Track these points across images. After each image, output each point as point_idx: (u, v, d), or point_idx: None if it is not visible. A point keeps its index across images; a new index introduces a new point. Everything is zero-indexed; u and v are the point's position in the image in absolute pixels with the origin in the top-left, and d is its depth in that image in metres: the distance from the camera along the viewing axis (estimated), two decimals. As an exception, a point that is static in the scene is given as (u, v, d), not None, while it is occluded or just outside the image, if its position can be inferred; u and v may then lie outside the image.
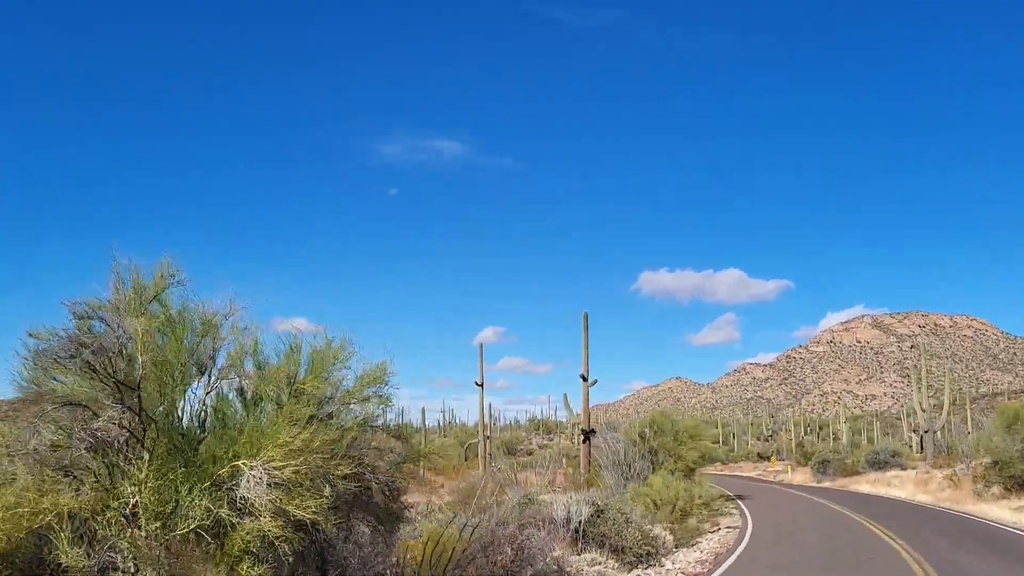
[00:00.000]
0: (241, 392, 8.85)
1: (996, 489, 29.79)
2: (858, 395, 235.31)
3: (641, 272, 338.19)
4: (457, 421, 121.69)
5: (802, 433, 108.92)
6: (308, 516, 7.54)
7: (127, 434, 7.46)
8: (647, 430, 34.28)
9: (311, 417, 8.87)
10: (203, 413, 8.43)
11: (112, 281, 7.99)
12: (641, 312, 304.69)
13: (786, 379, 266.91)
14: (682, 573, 15.90)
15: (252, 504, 7.48)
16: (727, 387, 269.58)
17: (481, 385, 57.33)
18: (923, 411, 53.40)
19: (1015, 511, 25.03)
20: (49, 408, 7.41)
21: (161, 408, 7.94)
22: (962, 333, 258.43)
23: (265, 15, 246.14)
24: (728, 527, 24.77)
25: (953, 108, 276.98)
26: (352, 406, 9.97)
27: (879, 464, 47.29)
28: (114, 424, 7.37)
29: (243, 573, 7.44)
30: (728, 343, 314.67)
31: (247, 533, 7.73)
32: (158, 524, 7.26)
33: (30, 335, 7.61)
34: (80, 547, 6.76)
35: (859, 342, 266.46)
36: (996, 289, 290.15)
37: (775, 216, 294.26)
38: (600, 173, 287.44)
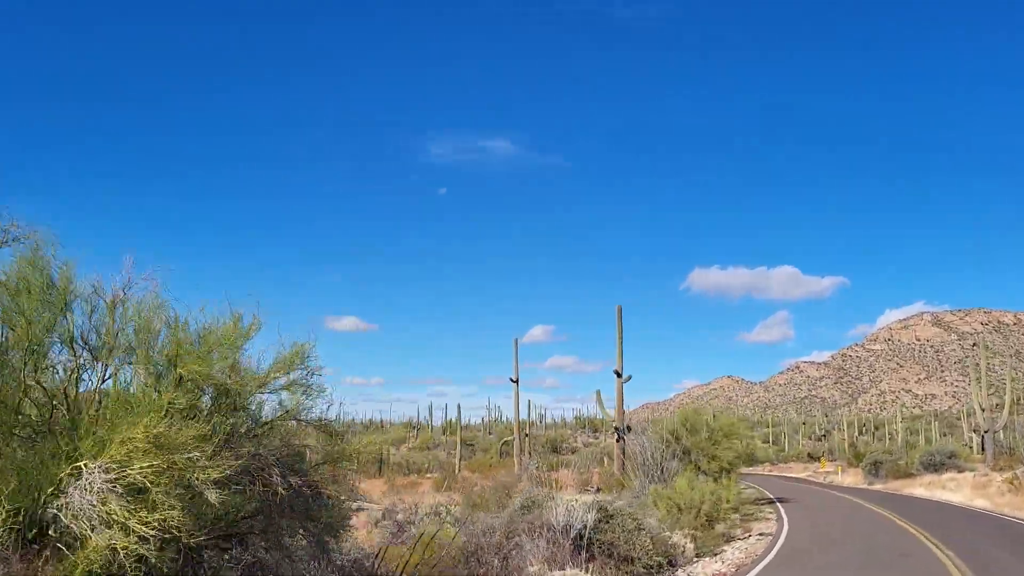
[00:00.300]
0: (109, 379, 7.31)
1: (1063, 495, 27.02)
2: (917, 395, 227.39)
3: (692, 269, 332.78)
4: (503, 419, 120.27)
5: (856, 433, 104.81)
6: (149, 532, 5.91)
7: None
8: (680, 429, 32.22)
9: (194, 408, 7.29)
10: (54, 402, 6.90)
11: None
12: (692, 310, 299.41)
13: (841, 378, 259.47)
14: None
15: (82, 515, 5.90)
16: (780, 386, 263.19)
17: (516, 381, 55.79)
18: (983, 411, 50.06)
19: (1084, 520, 22.41)
20: None
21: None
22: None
23: (318, 13, 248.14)
24: (760, 534, 22.64)
25: (1015, 104, 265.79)
26: (266, 395, 8.38)
27: (934, 466, 44.24)
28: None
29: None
30: (781, 341, 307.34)
31: (92, 550, 6.16)
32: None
33: None
34: None
35: (919, 340, 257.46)
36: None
37: (831, 212, 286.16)
38: (650, 169, 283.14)
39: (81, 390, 7.12)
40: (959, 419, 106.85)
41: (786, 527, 23.58)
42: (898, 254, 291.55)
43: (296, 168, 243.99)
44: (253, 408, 8.36)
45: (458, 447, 57.99)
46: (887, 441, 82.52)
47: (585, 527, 15.91)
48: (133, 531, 5.89)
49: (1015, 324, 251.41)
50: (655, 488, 22.87)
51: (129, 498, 6.05)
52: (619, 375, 38.93)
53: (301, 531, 8.98)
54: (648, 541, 15.97)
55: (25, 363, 6.73)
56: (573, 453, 79.62)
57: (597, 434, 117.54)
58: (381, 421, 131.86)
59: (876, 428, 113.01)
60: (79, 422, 6.50)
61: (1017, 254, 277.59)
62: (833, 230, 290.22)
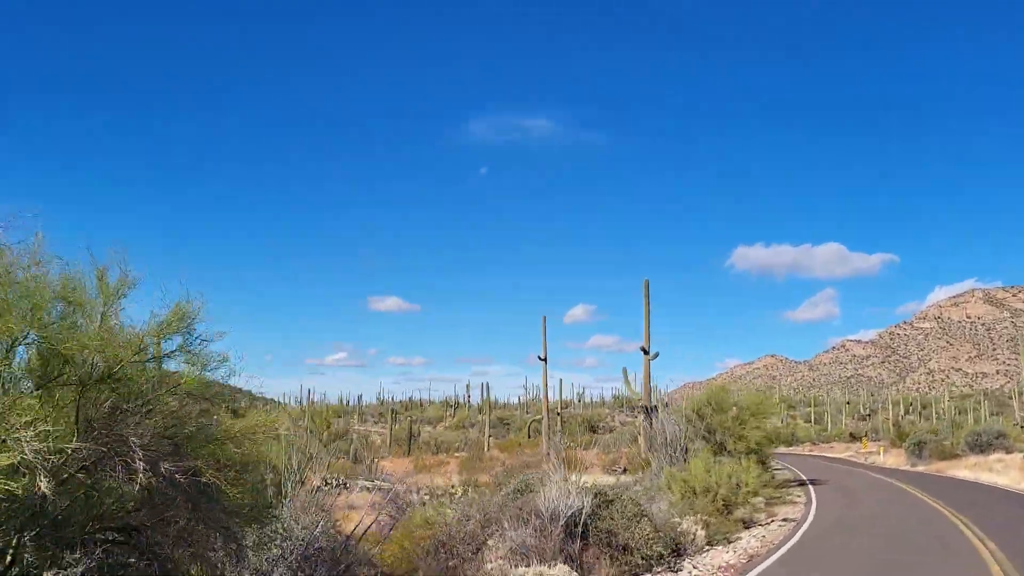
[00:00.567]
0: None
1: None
2: (968, 373, 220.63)
3: (735, 247, 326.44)
4: (552, 398, 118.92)
5: (902, 413, 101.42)
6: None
7: None
8: (705, 408, 30.50)
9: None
10: None
11: None
12: (735, 288, 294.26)
13: (889, 357, 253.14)
14: (690, 585, 12.39)
15: None
16: (825, 365, 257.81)
17: (544, 360, 54.28)
18: (1035, 389, 47.19)
19: None
20: None
21: None
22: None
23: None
24: (785, 519, 20.96)
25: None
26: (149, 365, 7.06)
27: (980, 447, 41.75)
28: None
29: None
30: (827, 319, 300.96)
31: None
32: None
33: None
34: None
35: (969, 318, 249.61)
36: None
37: (878, 188, 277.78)
38: (692, 147, 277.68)
39: None
40: (1011, 398, 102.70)
41: (813, 512, 21.85)
42: (949, 230, 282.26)
43: (339, 154, 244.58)
44: (139, 382, 7.04)
45: (486, 426, 56.86)
46: (934, 421, 79.37)
47: (579, 513, 14.46)
48: None
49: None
50: (669, 470, 21.30)
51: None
52: (646, 352, 37.22)
53: (202, 525, 7.68)
54: (648, 529, 14.45)
55: None
56: (610, 432, 78.09)
57: (636, 413, 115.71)
58: (420, 400, 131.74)
59: (923, 408, 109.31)
60: None
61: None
62: (882, 206, 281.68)
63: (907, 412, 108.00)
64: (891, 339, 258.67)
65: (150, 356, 6.87)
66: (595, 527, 14.56)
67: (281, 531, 12.83)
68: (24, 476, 5.81)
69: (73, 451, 6.05)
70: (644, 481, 25.24)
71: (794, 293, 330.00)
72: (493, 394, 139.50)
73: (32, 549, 5.97)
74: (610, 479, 34.50)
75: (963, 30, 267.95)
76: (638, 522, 14.66)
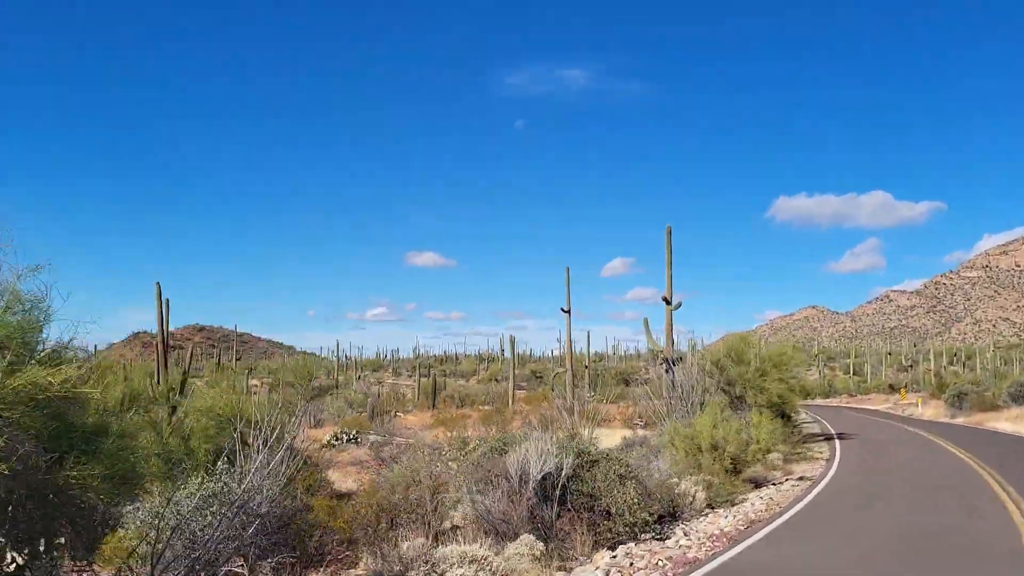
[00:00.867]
0: None
1: None
2: (1016, 323, 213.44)
3: (776, 197, 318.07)
4: (577, 351, 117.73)
5: (945, 363, 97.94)
6: None
7: None
8: (724, 359, 28.67)
9: None
10: None
11: None
12: (776, 239, 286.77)
13: (934, 307, 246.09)
14: (667, 561, 10.78)
15: None
16: (868, 316, 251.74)
17: (568, 312, 52.68)
18: (1085, 337, 44.27)
19: None
20: None
21: None
22: None
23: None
24: (801, 478, 19.23)
25: None
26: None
27: (1023, 398, 39.28)
28: None
29: None
30: (871, 270, 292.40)
31: None
32: None
33: None
34: None
35: (1019, 266, 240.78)
36: None
37: (926, 134, 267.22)
38: (733, 95, 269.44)
39: None
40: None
41: (833, 470, 20.07)
42: (998, 176, 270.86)
43: (373, 110, 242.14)
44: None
45: (511, 379, 55.62)
46: (978, 371, 76.18)
47: (556, 475, 12.92)
48: None
49: None
50: (673, 425, 19.63)
51: None
52: (668, 302, 35.33)
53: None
54: (633, 492, 12.85)
55: None
56: (645, 384, 76.55)
57: (658, 365, 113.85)
58: (456, 355, 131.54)
59: (967, 358, 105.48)
60: None
61: None
62: (930, 153, 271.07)
63: (951, 363, 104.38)
64: (936, 289, 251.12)
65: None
66: (577, 490, 13.05)
67: (218, 495, 11.57)
68: None
69: None
70: (656, 437, 23.70)
71: (837, 244, 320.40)
72: (529, 348, 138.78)
73: None
74: (627, 433, 33.03)
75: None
76: (622, 485, 13.08)
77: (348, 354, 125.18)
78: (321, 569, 10.76)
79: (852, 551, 10.39)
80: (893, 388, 74.71)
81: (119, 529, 8.00)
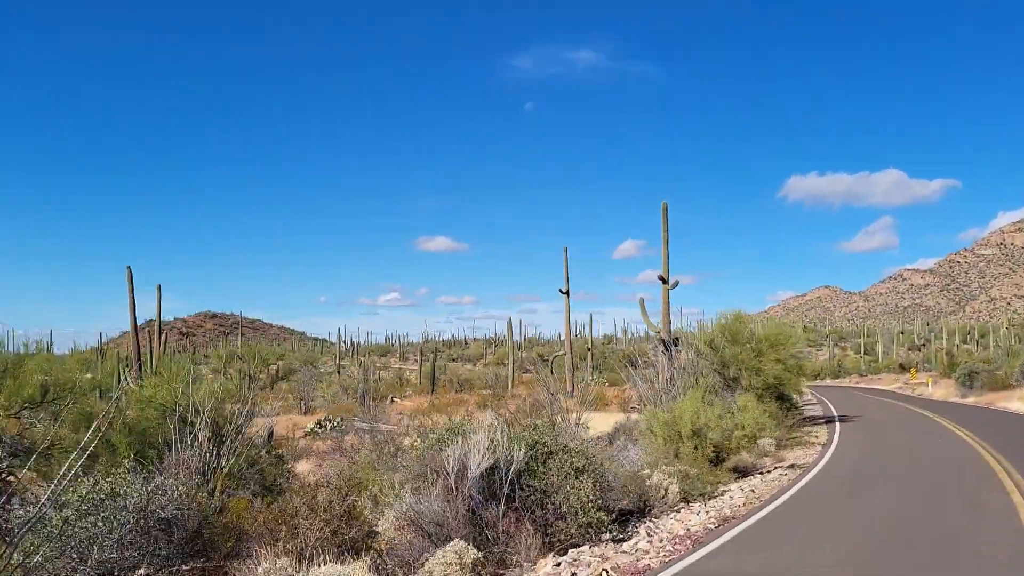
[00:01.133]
0: None
1: None
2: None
3: (788, 177, 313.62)
4: (593, 334, 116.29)
5: (958, 342, 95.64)
6: None
7: None
8: (719, 339, 27.10)
9: None
10: None
11: None
12: (788, 219, 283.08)
13: (948, 285, 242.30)
14: (612, 573, 9.30)
15: None
16: (881, 295, 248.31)
17: (567, 293, 51.28)
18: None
19: None
20: None
21: None
22: None
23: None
24: (792, 466, 17.70)
25: None
26: None
27: (1037, 377, 37.45)
28: None
29: None
30: (884, 249, 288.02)
31: None
32: None
33: None
34: None
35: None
36: None
37: (940, 111, 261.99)
38: (744, 75, 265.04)
39: None
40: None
41: (827, 457, 18.51)
42: (1014, 152, 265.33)
43: (383, 95, 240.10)
44: None
45: (510, 362, 54.26)
46: (991, 350, 73.99)
47: (506, 469, 11.49)
48: None
49: None
50: (651, 411, 18.13)
51: None
52: (665, 281, 33.81)
53: None
54: (589, 489, 11.38)
55: None
56: (653, 368, 75.00)
57: (655, 346, 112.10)
58: (465, 339, 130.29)
59: (981, 336, 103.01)
60: None
61: None
62: (944, 129, 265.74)
63: (964, 341, 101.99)
64: (951, 267, 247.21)
65: None
66: (530, 486, 11.60)
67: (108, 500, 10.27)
68: None
69: None
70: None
71: (850, 223, 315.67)
72: (539, 331, 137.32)
73: None
74: (622, 417, 31.52)
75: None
76: (578, 479, 11.62)
77: (358, 340, 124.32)
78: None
79: (826, 557, 8.89)
80: (903, 368, 72.76)
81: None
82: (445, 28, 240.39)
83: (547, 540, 11.07)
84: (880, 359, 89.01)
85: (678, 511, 13.18)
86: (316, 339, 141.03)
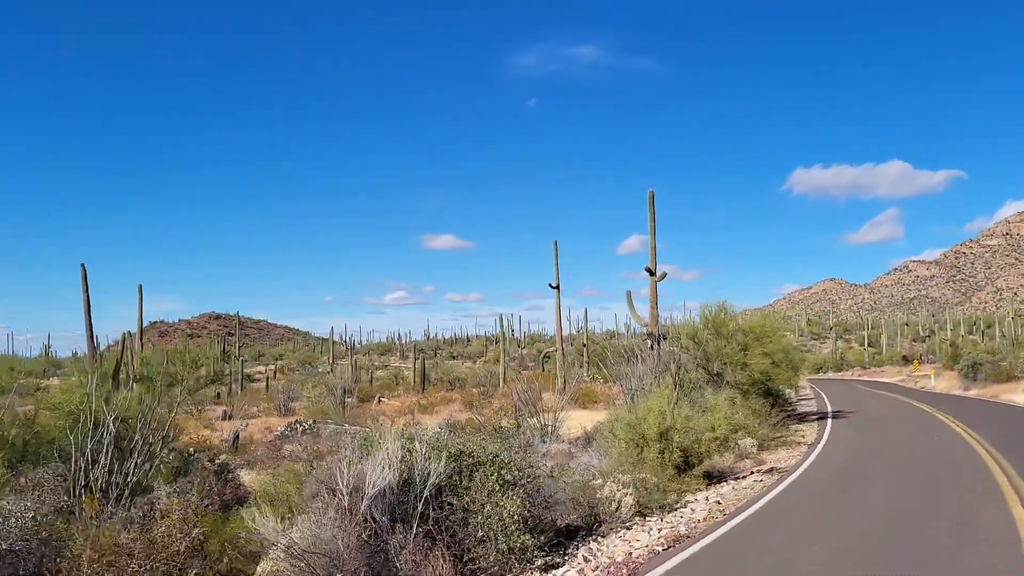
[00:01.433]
0: None
1: None
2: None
3: (793, 170, 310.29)
4: (597, 330, 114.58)
5: (962, 333, 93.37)
6: None
7: None
8: (702, 332, 25.33)
9: None
10: None
11: None
12: (793, 213, 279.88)
13: (954, 276, 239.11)
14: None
15: None
16: (886, 287, 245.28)
17: (557, 288, 49.49)
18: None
19: None
20: None
21: None
22: None
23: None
24: (772, 469, 15.95)
25: None
26: None
27: (1043, 368, 35.48)
28: None
29: None
30: (889, 240, 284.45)
31: None
32: None
33: None
34: None
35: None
36: None
37: (944, 101, 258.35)
38: (746, 68, 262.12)
39: None
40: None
41: (811, 460, 16.74)
42: (1020, 141, 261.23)
43: (384, 94, 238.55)
44: None
45: (501, 360, 52.54)
46: (997, 340, 71.81)
47: (421, 484, 9.82)
48: None
49: None
50: (614, 411, 16.39)
51: None
52: (652, 273, 32.06)
53: None
54: (514, 507, 9.67)
55: None
56: (635, 362, 73.19)
57: (643, 340, 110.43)
58: (467, 336, 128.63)
59: (987, 327, 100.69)
60: None
61: None
62: (948, 120, 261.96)
63: (970, 332, 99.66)
64: (956, 258, 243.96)
65: None
66: (450, 504, 9.91)
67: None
68: None
69: None
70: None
71: (855, 215, 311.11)
72: (544, 327, 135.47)
73: None
74: (606, 416, 29.78)
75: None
76: (504, 495, 9.91)
77: (359, 339, 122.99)
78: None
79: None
80: (907, 360, 70.68)
81: None
82: (448, 25, 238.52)
83: (462, 570, 9.40)
84: (884, 351, 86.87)
85: (629, 528, 11.46)
86: (319, 339, 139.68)
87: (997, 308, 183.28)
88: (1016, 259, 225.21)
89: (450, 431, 15.40)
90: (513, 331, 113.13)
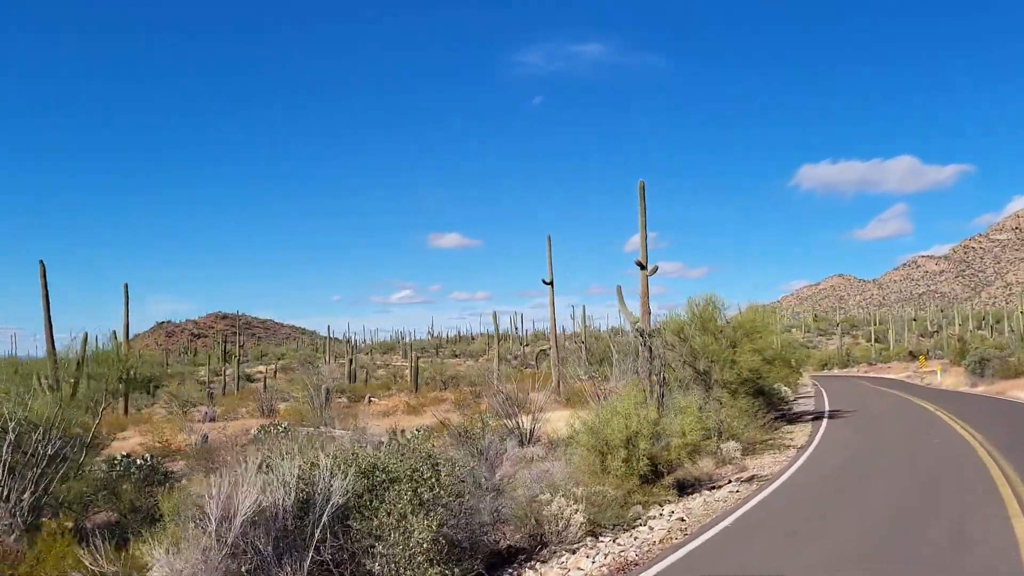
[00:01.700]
0: None
1: None
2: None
3: (800, 166, 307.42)
4: (602, 328, 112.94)
5: (971, 328, 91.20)
6: None
7: None
8: (688, 328, 23.75)
9: None
10: None
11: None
12: (801, 209, 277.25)
13: (963, 271, 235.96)
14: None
15: None
16: (895, 282, 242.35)
17: (550, 284, 48.00)
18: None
19: None
20: None
21: None
22: None
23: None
24: (752, 477, 14.40)
25: None
26: None
27: (1053, 363, 33.68)
28: None
29: None
30: (898, 236, 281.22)
31: None
32: None
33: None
34: None
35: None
36: None
37: (953, 95, 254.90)
38: (753, 65, 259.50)
39: None
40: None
41: (795, 468, 15.15)
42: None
43: (389, 93, 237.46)
44: None
45: (495, 358, 51.06)
46: (1006, 335, 69.75)
47: (322, 505, 8.34)
48: None
49: None
50: (575, 413, 14.86)
51: None
52: (643, 267, 30.37)
53: None
54: (425, 533, 8.17)
55: None
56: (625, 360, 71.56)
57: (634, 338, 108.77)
58: (471, 334, 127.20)
59: (996, 322, 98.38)
60: None
61: None
62: (957, 114, 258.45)
63: (979, 327, 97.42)
64: (965, 253, 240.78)
65: None
66: (358, 529, 8.43)
67: None
68: None
69: None
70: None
71: (863, 211, 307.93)
72: (547, 325, 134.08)
73: None
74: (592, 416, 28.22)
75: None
76: (416, 518, 8.40)
77: (363, 337, 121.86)
78: None
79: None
80: (913, 355, 68.75)
81: None
82: (448, 25, 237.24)
83: (356, 610, 7.91)
84: (892, 347, 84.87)
85: (575, 551, 9.93)
86: (325, 339, 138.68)
87: (1007, 303, 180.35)
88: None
89: (420, 435, 13.91)
90: (516, 329, 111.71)
